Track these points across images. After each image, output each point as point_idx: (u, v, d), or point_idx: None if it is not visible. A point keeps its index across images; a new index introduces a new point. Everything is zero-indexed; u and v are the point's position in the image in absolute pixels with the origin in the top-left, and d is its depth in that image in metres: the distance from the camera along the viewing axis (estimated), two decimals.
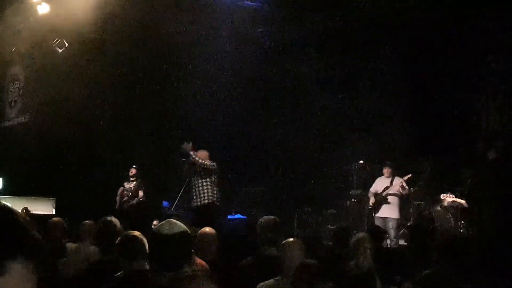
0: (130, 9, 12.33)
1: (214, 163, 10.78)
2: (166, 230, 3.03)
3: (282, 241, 4.99)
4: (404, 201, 11.89)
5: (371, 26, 12.77)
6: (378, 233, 7.54)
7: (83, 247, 6.82)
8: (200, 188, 10.71)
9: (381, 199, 11.74)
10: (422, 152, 12.76)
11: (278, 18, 13.14)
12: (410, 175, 11.74)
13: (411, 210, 12.18)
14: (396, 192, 11.61)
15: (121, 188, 12.40)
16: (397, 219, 11.59)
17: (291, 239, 4.84)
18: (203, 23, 12.88)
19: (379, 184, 11.92)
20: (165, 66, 13.55)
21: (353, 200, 13.27)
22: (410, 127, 13.23)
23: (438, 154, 12.44)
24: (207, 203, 10.65)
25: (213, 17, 12.73)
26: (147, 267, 4.23)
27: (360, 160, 13.32)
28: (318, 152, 13.82)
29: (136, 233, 4.42)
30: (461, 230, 11.05)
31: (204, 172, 10.67)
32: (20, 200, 12.57)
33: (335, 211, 13.67)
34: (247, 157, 14.65)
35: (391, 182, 11.71)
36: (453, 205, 11.39)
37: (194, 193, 10.76)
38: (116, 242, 4.24)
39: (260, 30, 13.84)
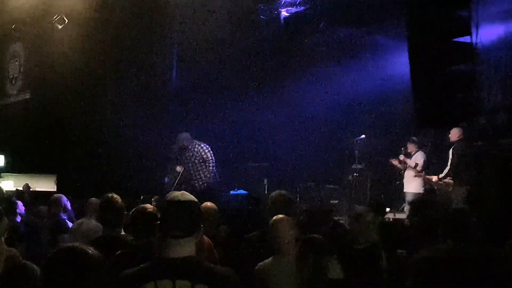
0: None
1: (204, 147, 10.79)
2: (178, 197, 3.08)
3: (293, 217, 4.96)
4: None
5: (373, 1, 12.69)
6: (377, 206, 7.58)
7: (86, 223, 6.89)
8: (197, 172, 10.81)
9: (401, 175, 11.84)
10: (423, 126, 12.71)
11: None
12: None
13: None
14: (410, 165, 11.58)
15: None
16: (413, 193, 11.33)
17: (279, 216, 4.76)
18: (204, 11, 12.78)
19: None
20: (162, 39, 13.46)
21: (355, 174, 13.27)
22: (411, 102, 13.17)
23: (439, 128, 12.40)
24: (205, 186, 10.77)
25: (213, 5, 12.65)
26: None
27: (362, 134, 13.29)
28: (319, 127, 13.80)
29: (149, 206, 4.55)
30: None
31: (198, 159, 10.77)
32: (22, 177, 12.62)
33: (337, 186, 13.71)
34: (249, 134, 14.63)
35: (411, 156, 11.69)
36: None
37: (193, 176, 10.86)
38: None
39: (260, 5, 13.74)
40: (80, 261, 2.31)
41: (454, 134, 11.00)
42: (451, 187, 10.88)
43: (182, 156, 10.93)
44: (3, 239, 1.38)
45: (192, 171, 10.93)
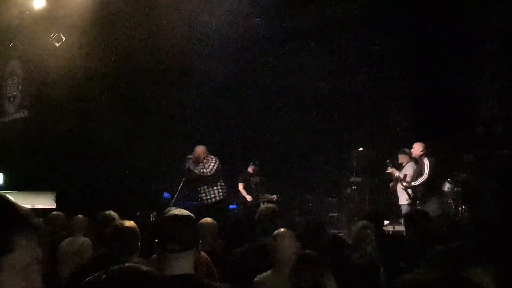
0: (127, 2, 12.33)
1: (215, 160, 10.85)
2: (175, 212, 3.13)
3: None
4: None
5: (370, 13, 12.74)
6: (375, 219, 7.54)
7: (76, 240, 6.89)
8: (209, 188, 10.84)
9: (393, 186, 11.72)
10: (421, 137, 12.76)
11: (276, 8, 13.10)
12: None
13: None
14: (399, 176, 11.43)
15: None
16: (406, 205, 11.26)
17: (282, 230, 4.76)
18: (200, 13, 12.86)
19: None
20: (162, 58, 13.53)
21: (353, 187, 13.28)
22: (409, 113, 13.25)
23: (437, 140, 12.44)
24: (216, 200, 10.81)
25: (210, 6, 12.70)
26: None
27: (360, 147, 13.32)
28: (318, 140, 13.83)
29: (128, 223, 4.41)
30: (461, 215, 11.10)
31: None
32: (21, 194, 12.60)
33: (336, 199, 13.72)
34: (247, 147, 14.67)
35: (403, 168, 11.61)
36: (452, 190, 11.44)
37: (203, 192, 10.88)
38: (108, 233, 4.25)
39: (258, 19, 13.80)
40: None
41: (417, 149, 11.22)
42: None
43: (194, 168, 10.93)
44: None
45: (202, 185, 10.93)
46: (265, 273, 4.59)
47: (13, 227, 1.44)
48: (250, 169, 13.20)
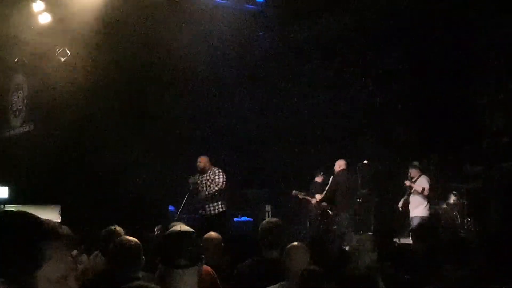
0: (131, 16, 12.39)
1: (222, 174, 10.84)
2: (177, 228, 3.13)
3: (283, 244, 4.94)
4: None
5: (373, 26, 12.77)
6: (384, 232, 7.53)
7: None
8: (211, 200, 10.83)
9: (406, 200, 11.79)
10: (426, 150, 12.74)
11: (279, 21, 13.15)
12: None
13: None
14: (417, 190, 11.60)
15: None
16: (420, 217, 11.39)
17: (295, 243, 4.77)
18: (204, 27, 12.90)
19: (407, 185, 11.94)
20: (167, 70, 13.57)
21: (358, 200, 13.24)
22: (414, 126, 13.23)
23: (442, 152, 12.43)
24: (218, 212, 10.79)
25: (213, 20, 12.75)
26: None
27: (365, 160, 13.29)
28: (322, 152, 13.82)
29: (131, 239, 4.40)
30: (466, 227, 11.07)
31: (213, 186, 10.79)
32: (26, 208, 12.55)
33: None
34: (253, 160, 14.66)
35: (415, 181, 11.70)
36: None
37: (206, 203, 10.86)
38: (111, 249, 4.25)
39: (261, 33, 13.85)
40: None
41: (338, 165, 12.06)
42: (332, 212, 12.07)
43: (199, 180, 10.94)
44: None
45: (206, 197, 10.91)
46: (273, 286, 4.55)
47: (43, 240, 1.46)
48: (318, 179, 13.29)
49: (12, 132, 16.21)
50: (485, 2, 11.61)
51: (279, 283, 4.55)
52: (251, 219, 13.63)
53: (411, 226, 11.36)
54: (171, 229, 3.18)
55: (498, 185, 11.04)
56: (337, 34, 13.14)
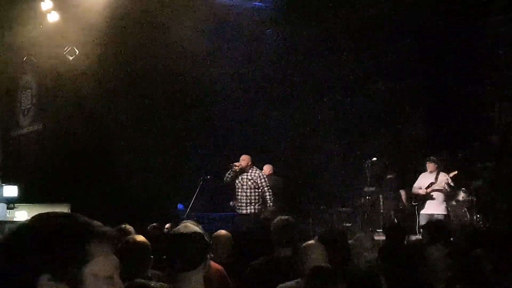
0: (140, 14, 12.41)
1: (262, 174, 10.88)
2: (181, 230, 3.10)
3: (296, 242, 4.92)
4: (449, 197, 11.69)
5: (381, 23, 12.74)
6: (395, 231, 7.45)
7: None
8: (247, 197, 10.76)
9: (426, 196, 11.59)
10: (435, 147, 12.69)
11: (287, 19, 13.14)
12: (456, 172, 11.38)
13: None
14: (441, 188, 11.32)
15: None
16: (444, 215, 11.20)
17: (311, 242, 4.73)
18: (212, 25, 12.92)
19: (424, 180, 11.62)
20: (177, 70, 13.58)
21: (367, 197, 13.21)
22: (423, 123, 13.19)
23: (451, 149, 12.37)
24: (252, 213, 10.69)
25: (222, 19, 12.76)
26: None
27: (373, 157, 13.25)
28: (331, 150, 13.79)
29: (140, 238, 4.40)
30: (476, 224, 11.00)
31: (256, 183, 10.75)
32: (35, 207, 12.64)
33: (350, 209, 13.65)
34: (262, 157, 14.65)
35: (436, 178, 11.48)
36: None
37: (244, 200, 10.79)
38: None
39: (269, 31, 13.84)
40: None
41: (266, 169, 11.84)
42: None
43: (237, 178, 10.86)
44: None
45: (243, 196, 10.88)
46: (288, 283, 4.53)
47: (89, 238, 1.47)
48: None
49: (21, 131, 16.27)
50: None
51: (295, 281, 4.53)
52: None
53: (418, 223, 11.30)
54: (174, 230, 3.16)
55: (507, 182, 10.98)
56: (344, 30, 13.13)
